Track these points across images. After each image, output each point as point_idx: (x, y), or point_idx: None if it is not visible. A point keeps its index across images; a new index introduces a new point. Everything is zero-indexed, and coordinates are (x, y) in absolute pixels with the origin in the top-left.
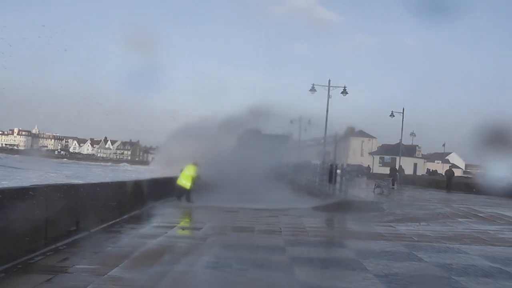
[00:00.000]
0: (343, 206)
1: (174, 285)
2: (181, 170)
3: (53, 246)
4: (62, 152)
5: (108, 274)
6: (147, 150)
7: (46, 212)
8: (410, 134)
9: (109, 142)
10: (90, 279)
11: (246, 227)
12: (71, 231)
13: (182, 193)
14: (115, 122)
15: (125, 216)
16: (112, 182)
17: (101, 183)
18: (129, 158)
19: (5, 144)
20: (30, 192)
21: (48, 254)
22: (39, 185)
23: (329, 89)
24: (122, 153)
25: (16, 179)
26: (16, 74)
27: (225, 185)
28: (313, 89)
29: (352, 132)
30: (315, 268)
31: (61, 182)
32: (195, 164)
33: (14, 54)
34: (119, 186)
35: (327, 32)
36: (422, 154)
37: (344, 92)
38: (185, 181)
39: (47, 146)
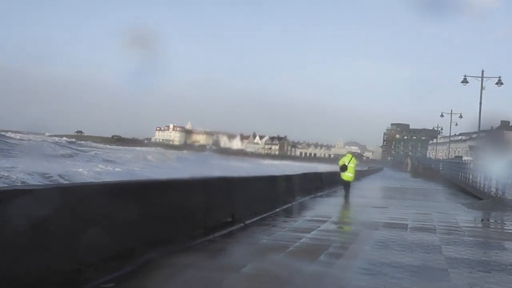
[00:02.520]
0: (500, 205)
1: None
2: (342, 165)
3: (211, 236)
4: (213, 147)
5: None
6: (294, 145)
7: (205, 203)
8: None
9: (257, 137)
10: (248, 262)
11: (397, 223)
12: (227, 222)
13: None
14: (263, 117)
15: (277, 209)
16: (264, 176)
17: (255, 176)
18: (276, 153)
19: (162, 139)
20: (191, 183)
21: (205, 243)
22: (198, 177)
23: (482, 80)
24: (270, 148)
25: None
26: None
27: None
28: (465, 81)
29: (507, 126)
30: (475, 272)
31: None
32: (351, 154)
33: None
34: (271, 179)
35: (480, 20)
36: None
37: (499, 83)
38: (351, 174)
39: (199, 141)
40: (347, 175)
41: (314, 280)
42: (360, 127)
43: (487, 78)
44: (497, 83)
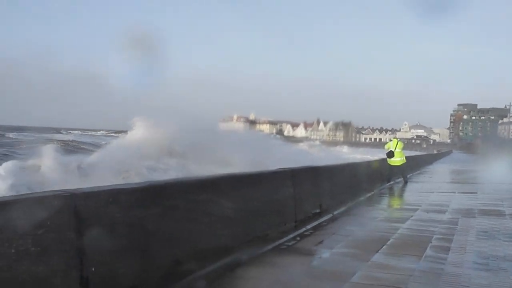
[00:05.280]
0: None
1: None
2: (389, 151)
3: (303, 229)
4: (277, 135)
5: (371, 260)
6: (359, 131)
7: (294, 194)
8: None
9: (321, 124)
10: (355, 264)
11: (493, 210)
12: (315, 214)
13: (394, 173)
14: (326, 103)
15: (361, 198)
16: (348, 164)
17: (339, 164)
18: (341, 139)
19: None
20: (280, 174)
21: (297, 238)
22: (286, 167)
23: None
24: (335, 135)
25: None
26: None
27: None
28: None
29: None
30: None
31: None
32: (396, 139)
33: None
34: (354, 167)
35: None
36: None
37: None
38: (399, 159)
39: (263, 131)
40: (394, 160)
41: (430, 279)
42: (426, 109)
43: None
44: None
